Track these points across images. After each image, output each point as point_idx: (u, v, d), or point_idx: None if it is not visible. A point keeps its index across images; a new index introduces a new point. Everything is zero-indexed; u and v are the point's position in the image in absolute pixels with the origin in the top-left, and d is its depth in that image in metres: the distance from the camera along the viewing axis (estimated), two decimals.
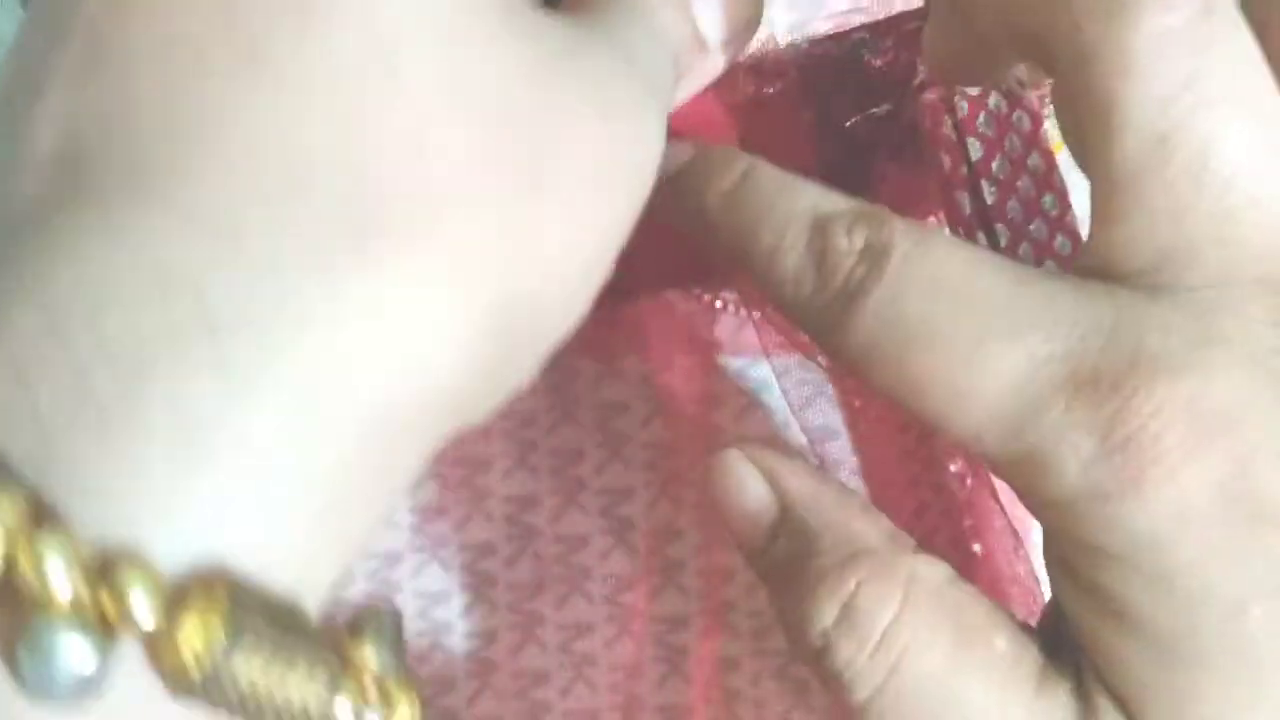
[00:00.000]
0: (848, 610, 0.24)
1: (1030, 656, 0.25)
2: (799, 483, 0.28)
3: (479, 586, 0.50)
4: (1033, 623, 0.47)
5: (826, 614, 0.24)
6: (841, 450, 0.49)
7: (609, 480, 0.50)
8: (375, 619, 0.19)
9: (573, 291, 0.22)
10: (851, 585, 0.24)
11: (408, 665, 0.19)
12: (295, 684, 0.17)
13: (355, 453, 0.19)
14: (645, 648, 0.49)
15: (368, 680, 0.18)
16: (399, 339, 0.18)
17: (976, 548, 0.46)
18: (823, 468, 0.50)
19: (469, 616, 0.50)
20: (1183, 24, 0.21)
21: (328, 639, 0.18)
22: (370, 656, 0.18)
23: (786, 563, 0.27)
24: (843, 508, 0.27)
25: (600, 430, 0.50)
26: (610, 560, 0.50)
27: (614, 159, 0.21)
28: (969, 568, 0.46)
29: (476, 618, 0.49)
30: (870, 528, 0.27)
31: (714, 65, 0.27)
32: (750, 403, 0.50)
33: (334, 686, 0.18)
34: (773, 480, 0.28)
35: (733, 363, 0.50)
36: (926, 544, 0.49)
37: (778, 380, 0.52)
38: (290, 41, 0.18)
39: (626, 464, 0.50)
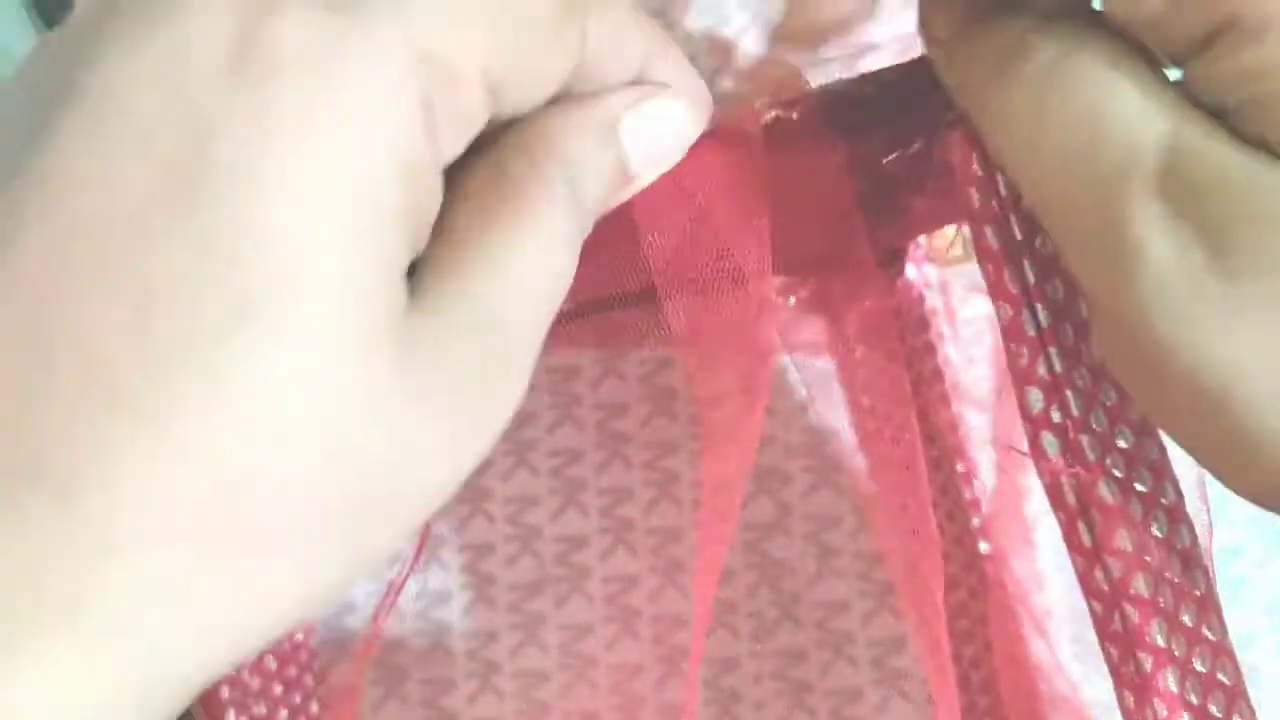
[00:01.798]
0: None
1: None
2: None
3: (479, 586, 0.50)
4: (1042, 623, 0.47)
5: None
6: (843, 450, 0.49)
7: (609, 480, 0.50)
8: None
9: None
10: None
11: None
12: None
13: None
14: (645, 647, 0.49)
15: None
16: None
17: (984, 546, 0.46)
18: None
19: (469, 616, 0.49)
20: None
21: None
22: None
23: None
24: None
25: (600, 430, 0.50)
26: (610, 560, 0.50)
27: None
28: (976, 565, 0.46)
29: (476, 618, 0.49)
30: None
31: (636, 187, 0.28)
32: (750, 403, 0.50)
33: None
34: None
35: (733, 363, 0.50)
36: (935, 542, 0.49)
37: (779, 379, 0.52)
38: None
39: (626, 464, 0.50)
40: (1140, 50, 0.24)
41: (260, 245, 0.20)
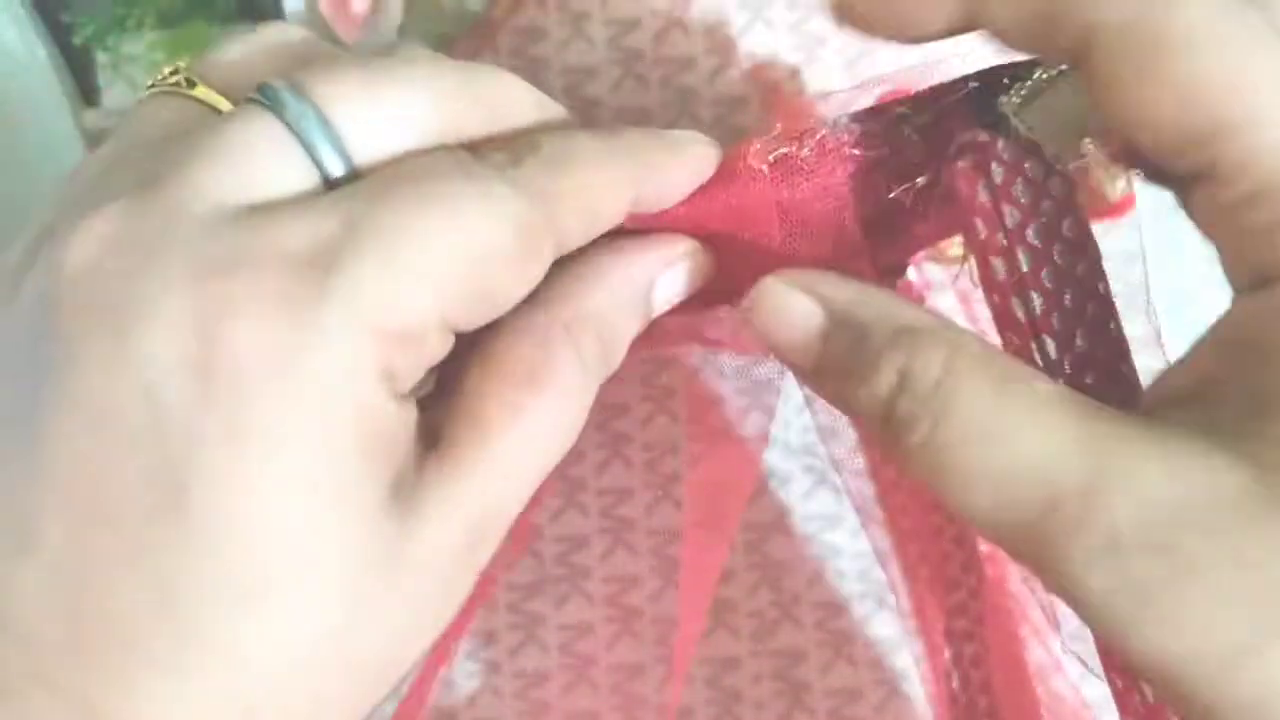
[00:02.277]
0: (904, 375, 0.24)
1: (1072, 395, 0.24)
2: (841, 287, 0.27)
3: (479, 585, 0.49)
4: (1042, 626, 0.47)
5: (884, 383, 0.25)
6: (843, 451, 0.49)
7: (609, 480, 0.50)
8: None
9: None
10: (903, 355, 0.25)
11: None
12: None
13: None
14: (646, 647, 0.49)
15: None
16: None
17: (983, 547, 0.46)
18: (825, 469, 0.50)
19: (469, 616, 0.49)
20: None
21: None
22: None
23: (841, 357, 0.26)
24: (888, 300, 0.27)
25: (600, 430, 0.50)
26: (610, 560, 0.50)
27: None
28: (975, 566, 0.46)
29: (477, 618, 0.49)
30: (916, 311, 0.27)
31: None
32: (751, 403, 0.50)
33: None
34: (813, 290, 0.27)
35: (733, 363, 0.50)
36: (935, 542, 0.49)
37: (778, 380, 0.51)
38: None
39: (627, 464, 0.50)
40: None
41: (246, 545, 0.23)
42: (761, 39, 0.48)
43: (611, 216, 0.27)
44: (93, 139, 0.49)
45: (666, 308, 0.29)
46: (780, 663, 0.49)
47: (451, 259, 0.24)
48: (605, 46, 0.49)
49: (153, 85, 0.27)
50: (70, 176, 0.27)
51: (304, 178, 0.25)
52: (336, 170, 0.25)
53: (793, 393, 0.51)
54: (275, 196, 0.24)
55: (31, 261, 0.25)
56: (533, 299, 0.26)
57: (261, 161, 0.24)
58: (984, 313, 0.47)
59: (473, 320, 0.25)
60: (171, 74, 0.27)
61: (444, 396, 0.26)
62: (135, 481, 0.22)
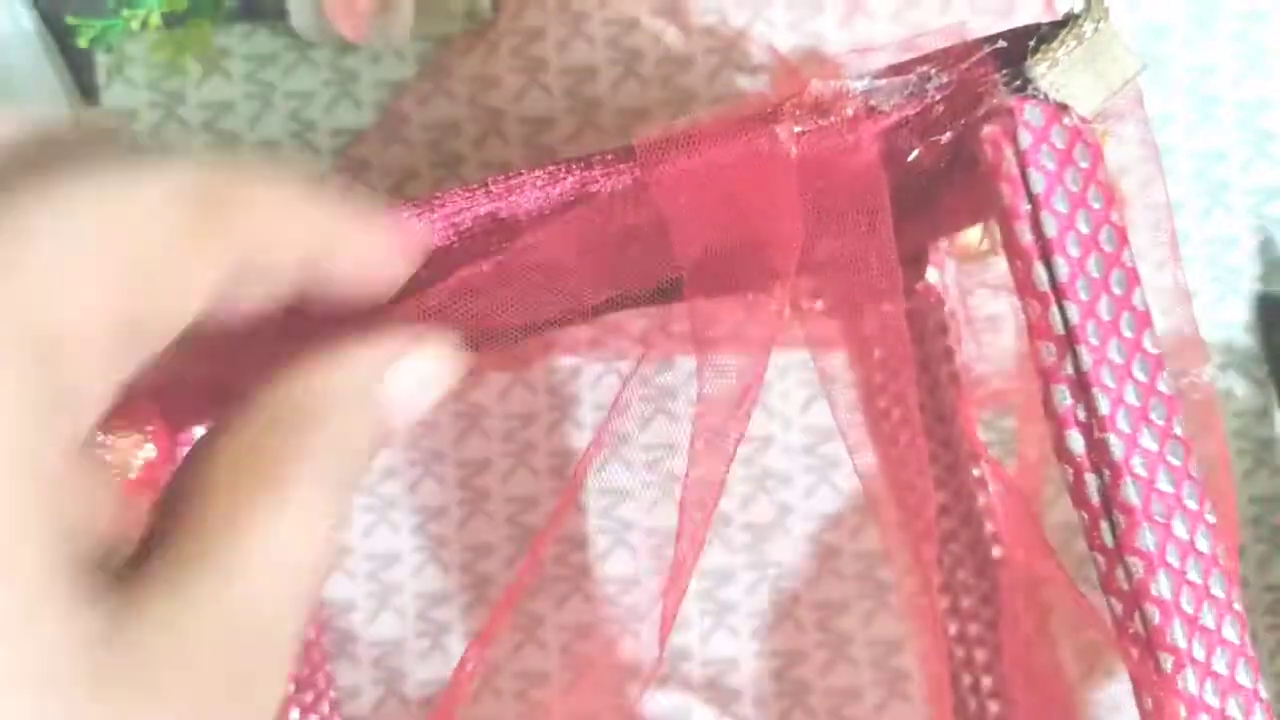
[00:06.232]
0: None
1: None
2: None
3: (478, 587, 0.49)
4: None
5: None
6: (842, 451, 0.49)
7: (609, 481, 0.50)
8: None
9: None
10: None
11: None
12: None
13: None
14: (646, 647, 0.49)
15: None
16: None
17: (996, 552, 0.46)
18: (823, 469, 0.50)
19: (468, 617, 0.49)
20: None
21: None
22: None
23: None
24: None
25: (600, 430, 0.50)
26: (610, 560, 0.49)
27: None
28: (989, 571, 0.46)
29: (476, 618, 0.49)
30: None
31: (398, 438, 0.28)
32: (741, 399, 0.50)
33: None
34: None
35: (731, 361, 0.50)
36: (944, 546, 0.49)
37: (778, 380, 0.52)
38: None
39: (626, 464, 0.50)
40: None
41: None
42: (761, 38, 0.49)
43: (295, 243, 0.25)
44: None
45: (416, 408, 0.27)
46: (780, 663, 0.49)
47: (113, 257, 0.22)
48: (605, 46, 0.49)
49: None
50: None
51: None
52: None
53: (793, 393, 0.51)
54: None
55: None
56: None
57: None
58: (982, 309, 0.48)
59: (152, 324, 0.23)
60: None
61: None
62: None
